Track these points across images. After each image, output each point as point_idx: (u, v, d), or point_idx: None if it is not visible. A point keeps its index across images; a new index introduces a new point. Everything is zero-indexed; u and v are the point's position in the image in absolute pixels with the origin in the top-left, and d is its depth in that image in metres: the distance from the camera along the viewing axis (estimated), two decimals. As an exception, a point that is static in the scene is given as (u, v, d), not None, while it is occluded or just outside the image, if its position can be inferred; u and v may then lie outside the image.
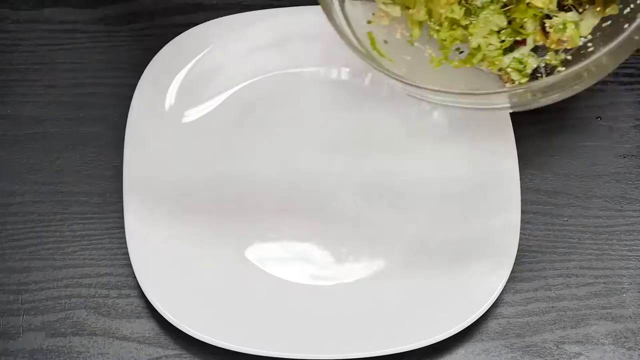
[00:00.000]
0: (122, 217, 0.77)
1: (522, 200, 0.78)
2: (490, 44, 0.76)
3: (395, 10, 0.80)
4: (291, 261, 0.78)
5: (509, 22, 0.76)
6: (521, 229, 0.77)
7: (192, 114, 0.84)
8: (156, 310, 0.74)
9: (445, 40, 0.77)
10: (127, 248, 0.76)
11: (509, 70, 0.77)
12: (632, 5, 0.74)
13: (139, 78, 0.83)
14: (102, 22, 0.90)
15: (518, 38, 0.76)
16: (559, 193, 0.81)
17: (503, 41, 0.76)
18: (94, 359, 0.74)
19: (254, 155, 0.82)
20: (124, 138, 0.81)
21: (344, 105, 0.84)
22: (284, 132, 0.83)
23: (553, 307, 0.76)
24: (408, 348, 0.72)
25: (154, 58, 0.84)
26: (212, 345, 0.72)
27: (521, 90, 0.73)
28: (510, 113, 0.81)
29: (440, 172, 0.81)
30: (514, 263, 0.75)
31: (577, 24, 0.75)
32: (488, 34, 0.76)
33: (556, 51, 0.77)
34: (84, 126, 0.85)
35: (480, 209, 0.78)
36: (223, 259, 0.77)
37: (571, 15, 0.76)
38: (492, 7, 0.75)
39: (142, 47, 0.89)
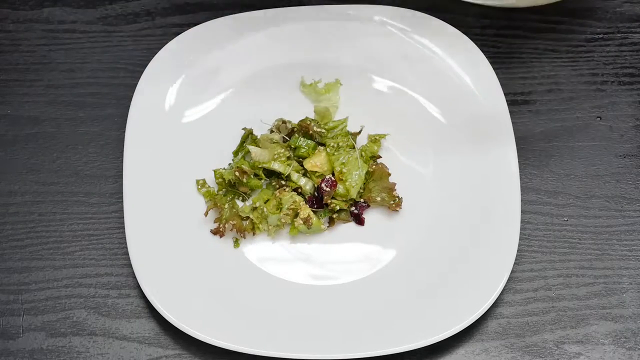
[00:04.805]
0: (122, 217, 0.77)
1: (522, 200, 0.78)
2: None
3: None
4: (291, 261, 0.78)
5: None
6: (521, 229, 0.77)
7: (192, 114, 0.84)
8: (156, 310, 0.74)
9: None
10: (127, 248, 0.76)
11: None
12: None
13: (139, 78, 0.83)
14: (102, 22, 0.90)
15: None
16: (559, 193, 0.81)
17: None
18: (94, 359, 0.74)
19: (254, 155, 0.82)
20: (124, 138, 0.81)
21: (343, 106, 0.84)
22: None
23: (553, 307, 0.76)
24: (408, 348, 0.72)
25: (154, 58, 0.84)
26: (212, 345, 0.72)
27: None
28: (510, 114, 0.81)
29: (440, 172, 0.81)
30: (514, 263, 0.75)
31: None
32: None
33: None
34: (84, 126, 0.85)
35: (480, 209, 0.78)
36: (223, 259, 0.77)
37: None
38: None
39: (142, 47, 0.89)
